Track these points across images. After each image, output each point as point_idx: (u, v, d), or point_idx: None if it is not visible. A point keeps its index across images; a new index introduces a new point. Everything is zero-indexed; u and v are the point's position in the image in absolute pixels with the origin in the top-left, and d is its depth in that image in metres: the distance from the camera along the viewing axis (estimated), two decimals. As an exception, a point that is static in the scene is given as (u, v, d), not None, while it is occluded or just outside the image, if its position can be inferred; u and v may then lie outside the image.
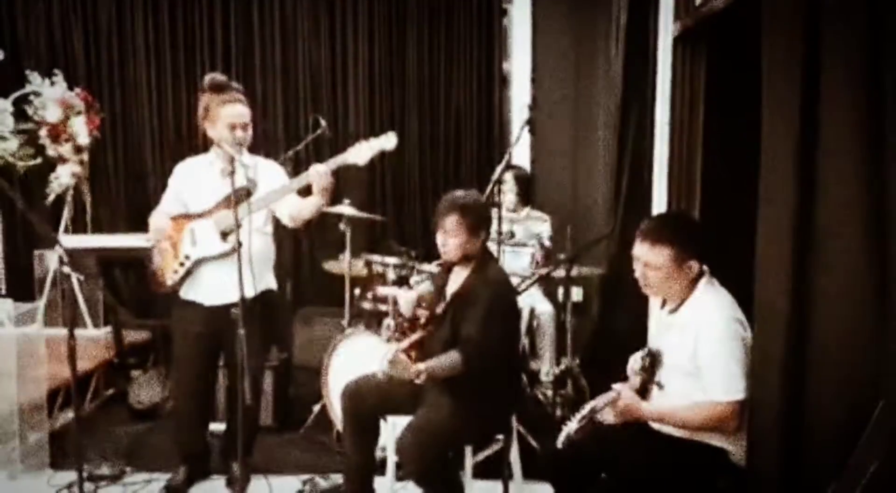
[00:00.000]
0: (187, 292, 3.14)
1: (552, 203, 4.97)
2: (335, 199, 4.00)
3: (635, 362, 2.51)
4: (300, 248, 5.35)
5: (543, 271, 4.09)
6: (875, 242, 1.81)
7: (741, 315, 2.36)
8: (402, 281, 3.87)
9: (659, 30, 3.78)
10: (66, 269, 2.51)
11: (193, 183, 3.14)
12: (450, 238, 2.79)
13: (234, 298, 2.67)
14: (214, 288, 3.06)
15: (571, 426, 2.33)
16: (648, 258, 2.40)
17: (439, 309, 2.88)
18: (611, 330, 4.49)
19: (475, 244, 2.82)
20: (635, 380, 2.46)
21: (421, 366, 2.62)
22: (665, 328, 2.51)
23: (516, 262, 4.40)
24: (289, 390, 4.26)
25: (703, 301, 2.39)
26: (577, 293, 5.00)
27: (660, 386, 2.43)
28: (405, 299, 3.08)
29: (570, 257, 3.92)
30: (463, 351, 2.68)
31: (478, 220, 2.81)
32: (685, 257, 2.38)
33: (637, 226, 2.54)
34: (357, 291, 4.10)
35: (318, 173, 2.93)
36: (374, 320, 4.00)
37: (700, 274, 2.43)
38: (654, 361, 2.45)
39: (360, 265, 4.11)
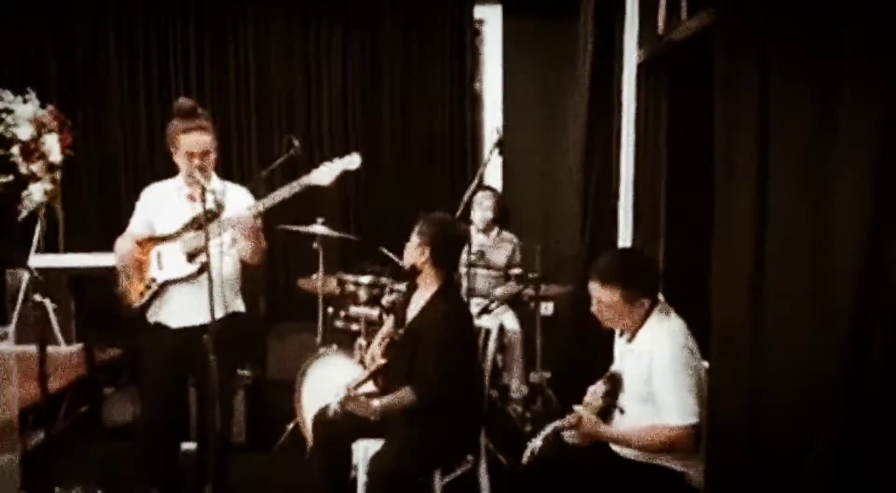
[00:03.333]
0: (154, 314, 3.14)
1: (523, 222, 5.02)
2: (309, 218, 4.07)
3: (598, 386, 2.58)
4: (275, 263, 5.34)
5: (513, 290, 4.15)
6: (821, 265, 1.90)
7: (692, 343, 2.45)
8: (373, 301, 3.92)
9: (624, 55, 3.87)
10: (38, 296, 2.52)
11: (160, 207, 3.15)
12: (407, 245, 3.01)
13: (201, 319, 2.69)
14: (181, 310, 3.07)
15: (535, 443, 2.39)
16: (600, 296, 2.49)
17: (397, 336, 2.96)
18: (581, 344, 4.51)
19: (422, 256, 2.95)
20: (597, 404, 2.53)
21: (375, 403, 2.70)
22: (623, 355, 2.59)
23: (486, 282, 4.46)
24: (262, 407, 4.27)
25: (655, 331, 2.48)
26: (547, 307, 5.06)
27: (621, 411, 2.51)
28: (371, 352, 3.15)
29: (537, 278, 3.99)
30: (416, 388, 2.77)
31: (430, 236, 2.96)
32: (636, 295, 2.47)
33: (605, 246, 2.61)
34: (330, 309, 4.14)
35: (238, 220, 2.93)
36: (346, 339, 4.04)
37: (653, 306, 2.51)
38: (615, 385, 2.54)
39: (333, 284, 4.14)
